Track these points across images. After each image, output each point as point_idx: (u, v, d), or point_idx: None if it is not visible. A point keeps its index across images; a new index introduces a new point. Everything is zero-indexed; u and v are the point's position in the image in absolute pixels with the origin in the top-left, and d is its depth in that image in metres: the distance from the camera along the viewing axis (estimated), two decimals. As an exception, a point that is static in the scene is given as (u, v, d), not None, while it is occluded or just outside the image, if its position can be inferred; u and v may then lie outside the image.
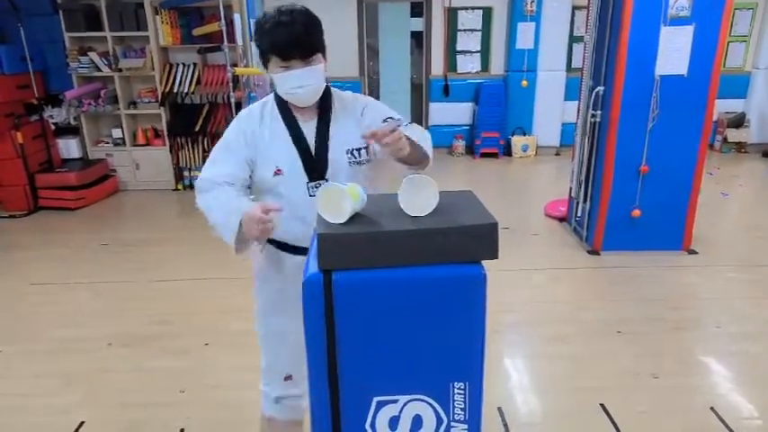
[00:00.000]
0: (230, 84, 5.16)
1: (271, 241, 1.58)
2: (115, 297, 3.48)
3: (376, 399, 0.96)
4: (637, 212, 3.81)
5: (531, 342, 2.95)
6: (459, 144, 7.14)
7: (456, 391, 0.97)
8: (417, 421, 0.98)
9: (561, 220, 4.61)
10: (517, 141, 6.99)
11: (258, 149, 1.49)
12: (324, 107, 1.52)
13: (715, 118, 6.61)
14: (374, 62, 7.23)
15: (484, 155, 7.01)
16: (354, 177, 1.44)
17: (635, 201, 3.82)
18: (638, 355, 2.73)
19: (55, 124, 5.38)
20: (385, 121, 1.48)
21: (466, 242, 0.90)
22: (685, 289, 3.51)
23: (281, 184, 1.48)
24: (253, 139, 1.49)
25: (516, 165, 6.86)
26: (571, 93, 6.65)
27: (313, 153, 1.49)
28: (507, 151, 7.04)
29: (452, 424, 0.98)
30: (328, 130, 1.50)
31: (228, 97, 5.19)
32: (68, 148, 5.58)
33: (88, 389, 2.56)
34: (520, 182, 6.26)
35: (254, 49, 5.84)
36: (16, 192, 5.08)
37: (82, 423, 2.30)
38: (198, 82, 5.53)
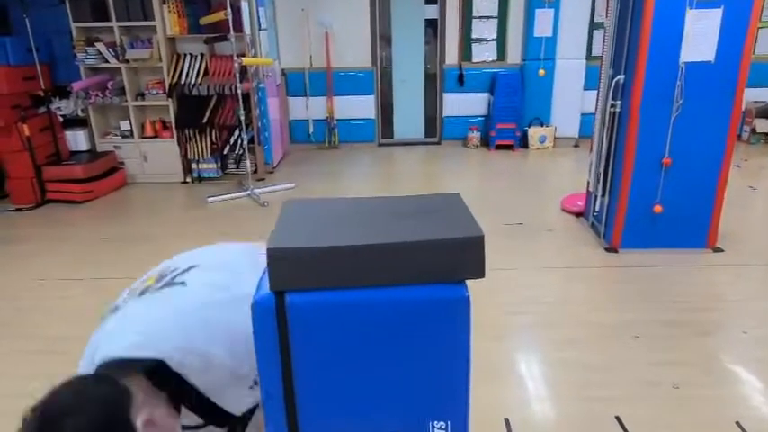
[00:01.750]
0: (238, 74, 5.05)
1: None
2: (116, 295, 3.40)
3: (343, 439, 0.82)
4: (658, 208, 3.60)
5: (543, 346, 2.78)
6: (474, 136, 6.94)
7: (436, 431, 0.82)
8: (392, 464, 0.84)
9: (578, 215, 4.42)
10: (534, 132, 6.76)
11: None
12: None
13: (743, 108, 6.31)
14: (387, 51, 7.05)
15: (499, 147, 6.81)
16: None
17: (657, 195, 3.61)
18: (658, 363, 2.55)
19: (62, 116, 5.33)
20: None
21: (448, 259, 0.76)
22: (709, 290, 3.31)
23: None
24: None
25: (533, 157, 6.64)
26: (591, 81, 6.40)
27: None
28: (524, 143, 6.83)
29: (433, 467, 0.84)
30: None
31: (236, 88, 5.08)
32: (76, 140, 5.53)
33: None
34: (536, 175, 6.05)
35: (263, 38, 5.73)
36: (23, 185, 5.04)
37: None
38: (205, 73, 5.43)
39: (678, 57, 3.33)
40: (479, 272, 0.77)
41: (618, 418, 2.18)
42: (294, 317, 0.75)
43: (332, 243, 0.74)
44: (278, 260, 0.73)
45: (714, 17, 3.27)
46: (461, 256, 0.76)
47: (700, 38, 3.30)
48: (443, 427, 0.83)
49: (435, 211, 0.87)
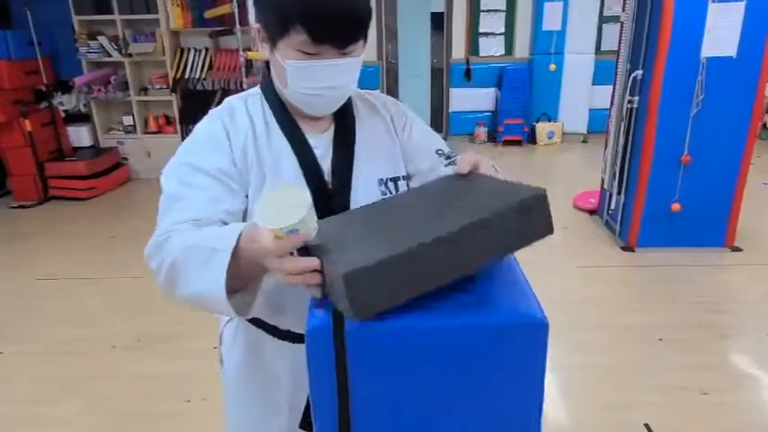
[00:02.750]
0: (243, 69, 4.95)
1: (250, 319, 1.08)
2: (124, 294, 3.33)
3: (401, 475, 0.75)
4: (677, 206, 3.53)
5: (562, 350, 2.71)
6: (482, 131, 6.85)
7: (504, 466, 0.75)
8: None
9: (592, 212, 4.34)
10: (542, 128, 6.68)
11: (252, 179, 0.94)
12: (343, 112, 1.00)
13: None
14: (393, 45, 6.95)
15: (507, 142, 6.72)
16: None
17: (675, 193, 3.53)
18: (683, 367, 2.48)
19: (65, 111, 5.23)
20: (439, 153, 1.08)
21: (520, 224, 0.71)
22: (730, 290, 3.24)
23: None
24: (245, 156, 0.94)
25: (541, 152, 6.56)
26: (600, 76, 6.34)
27: (329, 185, 0.97)
28: (532, 138, 6.74)
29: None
30: (352, 151, 1.00)
31: (241, 83, 4.97)
32: (79, 135, 5.44)
33: (89, 396, 2.40)
34: (545, 171, 5.97)
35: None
36: (26, 181, 4.95)
37: (80, 436, 2.15)
38: (210, 67, 5.33)
39: (699, 52, 3.25)
40: (549, 228, 0.75)
41: (647, 426, 2.12)
42: (354, 346, 0.68)
43: (405, 247, 0.65)
44: (359, 282, 0.64)
45: (737, 11, 3.18)
46: (530, 219, 0.72)
47: (722, 32, 3.22)
48: (512, 462, 0.75)
49: (468, 189, 0.80)
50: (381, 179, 1.02)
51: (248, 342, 1.10)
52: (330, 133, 1.00)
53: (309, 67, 0.87)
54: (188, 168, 0.92)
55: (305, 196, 0.69)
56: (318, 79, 0.89)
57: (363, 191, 0.98)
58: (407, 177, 1.06)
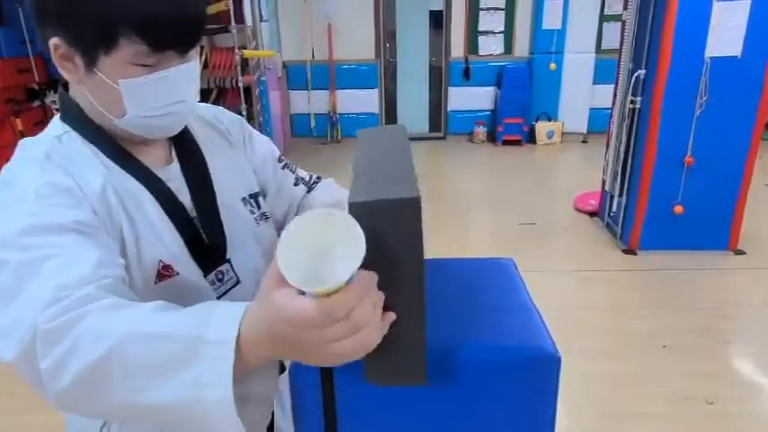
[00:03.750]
0: (239, 67, 4.88)
1: None
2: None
3: None
4: (679, 208, 3.47)
5: (568, 356, 2.61)
6: (481, 130, 6.79)
7: None
8: None
9: (592, 214, 4.28)
10: (542, 127, 6.61)
11: (121, 235, 0.73)
12: (180, 136, 0.83)
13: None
14: (391, 44, 6.87)
15: (506, 142, 6.65)
16: (266, 245, 0.89)
17: (677, 195, 3.47)
18: (689, 375, 2.42)
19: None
20: (281, 162, 0.97)
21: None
22: (734, 295, 3.18)
23: (167, 292, 0.74)
24: (109, 207, 0.72)
25: (541, 152, 6.49)
26: (600, 76, 6.28)
27: (196, 221, 0.80)
28: (531, 138, 6.67)
29: None
30: (209, 179, 0.84)
31: (237, 82, 4.91)
32: (72, 135, 5.35)
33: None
34: (545, 171, 5.90)
35: (264, 30, 5.55)
36: (18, 181, 4.87)
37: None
38: (205, 66, 5.25)
39: (703, 51, 3.19)
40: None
41: (652, 438, 2.06)
42: (343, 385, 0.61)
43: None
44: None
45: (742, 10, 3.12)
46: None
47: (726, 32, 3.16)
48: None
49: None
50: (244, 198, 0.89)
51: None
52: (176, 164, 0.83)
53: (153, 82, 0.69)
54: (30, 233, 0.62)
55: (349, 221, 0.47)
56: (167, 95, 0.72)
57: (234, 218, 0.85)
58: (259, 193, 0.93)
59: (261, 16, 5.44)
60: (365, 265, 0.45)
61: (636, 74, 3.47)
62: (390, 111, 7.09)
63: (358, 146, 0.67)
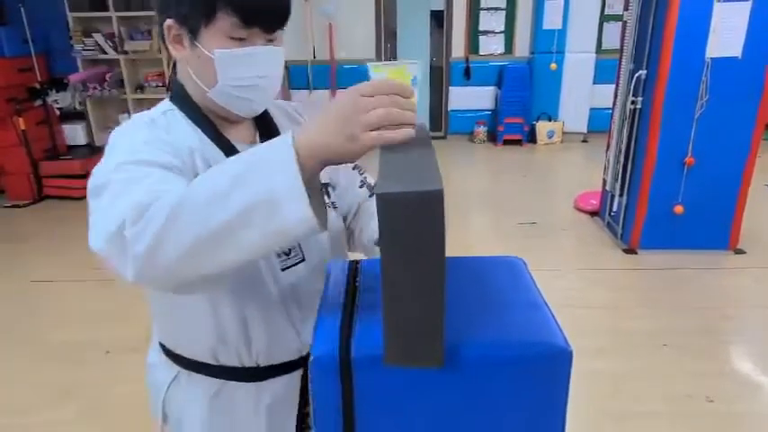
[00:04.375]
0: (241, 67, 4.89)
1: (202, 369, 0.96)
2: (120, 296, 3.26)
3: None
4: (680, 208, 3.49)
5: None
6: (481, 130, 6.80)
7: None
8: None
9: (593, 214, 4.30)
10: (542, 127, 6.63)
11: None
12: (264, 119, 0.95)
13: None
14: (392, 44, 6.88)
15: (507, 142, 6.67)
16: (333, 231, 0.98)
17: (678, 195, 3.49)
18: (689, 374, 2.44)
19: (59, 109, 5.16)
20: (352, 163, 0.95)
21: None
22: (735, 294, 3.20)
23: None
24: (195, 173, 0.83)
25: (541, 152, 6.51)
26: (601, 76, 6.29)
27: None
28: (532, 138, 6.69)
29: None
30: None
31: (239, 81, 4.92)
32: (74, 134, 5.37)
33: (85, 403, 2.35)
34: (546, 171, 5.92)
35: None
36: (20, 180, 4.88)
37: (75, 443, 2.10)
38: (207, 65, 5.26)
39: (704, 52, 3.21)
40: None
41: (653, 436, 2.08)
42: (362, 376, 0.63)
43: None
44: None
45: (743, 11, 3.14)
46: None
47: (727, 32, 3.17)
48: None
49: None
50: (326, 184, 0.98)
51: (206, 397, 0.96)
52: (258, 143, 0.91)
53: (241, 54, 0.82)
54: (138, 163, 0.74)
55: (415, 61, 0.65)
56: (251, 67, 0.83)
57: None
58: (328, 185, 0.99)
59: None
60: (393, 250, 0.52)
61: (637, 74, 3.49)
62: (391, 110, 7.09)
63: None
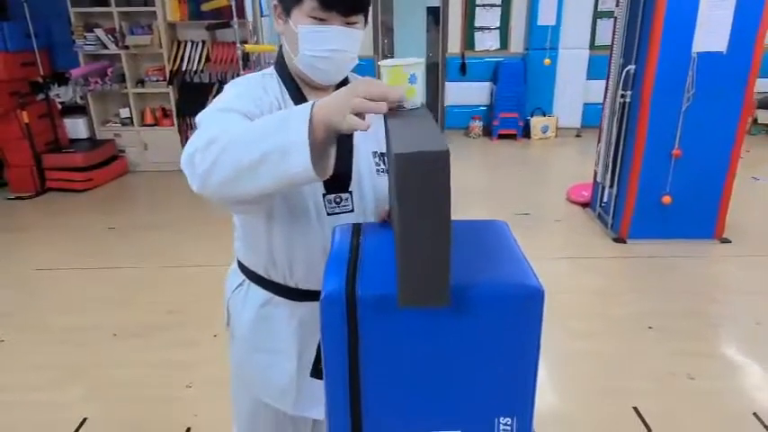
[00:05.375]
0: (240, 62, 4.97)
1: (258, 281, 1.19)
2: (122, 284, 3.37)
3: (407, 435, 0.80)
4: (667, 199, 3.60)
5: (555, 338, 2.77)
6: (477, 125, 6.91)
7: (501, 427, 0.81)
8: (455, 461, 0.82)
9: (585, 205, 4.41)
10: (537, 122, 6.74)
11: None
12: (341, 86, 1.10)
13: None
14: (389, 40, 6.98)
15: (502, 136, 6.78)
16: (379, 194, 1.14)
17: (666, 186, 3.60)
18: (673, 354, 2.56)
19: (61, 103, 5.24)
20: None
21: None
22: (720, 281, 3.32)
23: (288, 194, 1.06)
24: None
25: (536, 147, 6.63)
26: (594, 71, 6.40)
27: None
28: (526, 133, 6.81)
29: (496, 464, 0.83)
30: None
31: (238, 76, 5.00)
32: (76, 127, 5.45)
33: (91, 383, 2.44)
34: (540, 164, 6.04)
35: (264, 25, 5.65)
36: (23, 173, 4.97)
37: (84, 420, 2.19)
38: (207, 60, 5.35)
39: (691, 47, 3.32)
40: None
41: (636, 409, 2.19)
42: (365, 311, 0.73)
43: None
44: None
45: (728, 7, 3.25)
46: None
47: (713, 28, 3.29)
48: (509, 423, 0.81)
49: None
50: (375, 152, 1.15)
51: (256, 304, 1.20)
52: None
53: (318, 30, 1.01)
54: (223, 111, 0.99)
55: (421, 60, 0.83)
56: (326, 42, 1.02)
57: (363, 161, 1.13)
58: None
59: (261, 11, 5.53)
60: (407, 202, 0.64)
61: (626, 69, 3.60)
62: (388, 105, 7.19)
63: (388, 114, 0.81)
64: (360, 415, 0.80)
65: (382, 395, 0.79)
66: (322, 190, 1.09)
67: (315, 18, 1.00)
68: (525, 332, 0.76)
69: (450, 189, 0.65)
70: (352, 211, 1.11)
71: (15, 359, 2.65)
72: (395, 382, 0.78)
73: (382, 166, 1.15)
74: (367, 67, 6.68)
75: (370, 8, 1.09)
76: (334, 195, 1.10)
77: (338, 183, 1.09)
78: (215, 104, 1.01)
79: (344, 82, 1.13)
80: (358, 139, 1.12)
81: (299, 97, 1.10)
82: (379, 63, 0.85)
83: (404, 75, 0.82)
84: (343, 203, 1.11)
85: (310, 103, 0.82)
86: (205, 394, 2.33)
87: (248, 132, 0.85)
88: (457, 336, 0.75)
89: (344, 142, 1.09)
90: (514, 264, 0.80)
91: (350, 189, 1.11)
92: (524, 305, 0.74)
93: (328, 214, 1.10)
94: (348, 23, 1.02)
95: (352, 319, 0.74)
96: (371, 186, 1.13)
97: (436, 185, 0.64)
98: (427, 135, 0.69)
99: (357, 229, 0.92)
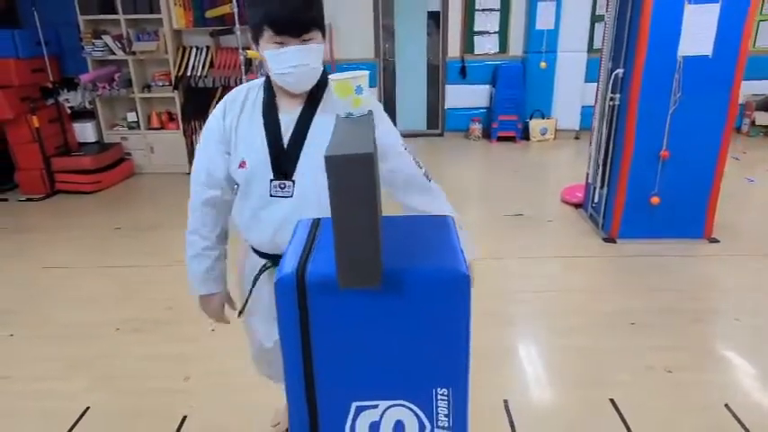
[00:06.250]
0: (243, 67, 5.12)
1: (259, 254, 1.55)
2: (126, 281, 3.50)
3: (355, 404, 0.92)
4: (656, 199, 3.69)
5: (541, 333, 2.88)
6: (476, 127, 7.01)
7: (439, 396, 0.92)
8: (399, 427, 0.93)
9: (578, 206, 4.50)
10: (536, 124, 6.83)
11: (232, 141, 1.38)
12: (313, 95, 1.36)
13: (742, 100, 6.36)
14: (390, 44, 7.10)
15: (501, 138, 6.88)
16: (321, 188, 1.39)
17: (654, 187, 3.69)
18: (653, 348, 2.64)
19: (70, 108, 5.41)
20: (402, 148, 1.43)
21: None
22: (705, 279, 3.39)
23: (245, 179, 1.37)
24: (228, 129, 1.38)
25: (534, 148, 6.71)
26: (592, 74, 6.43)
27: (285, 146, 1.34)
28: (525, 135, 6.89)
29: (436, 430, 0.93)
30: (310, 123, 1.34)
31: (241, 81, 5.15)
32: (84, 131, 5.61)
33: (95, 375, 2.57)
34: (537, 166, 6.12)
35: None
36: (33, 175, 5.13)
37: (87, 409, 2.32)
38: (211, 65, 5.50)
39: (676, 51, 3.40)
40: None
41: (612, 401, 2.28)
42: (313, 293, 0.84)
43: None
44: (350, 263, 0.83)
45: (712, 12, 3.33)
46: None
47: (698, 32, 3.37)
48: (446, 393, 0.92)
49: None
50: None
51: (249, 257, 1.56)
52: (298, 110, 1.36)
53: (278, 53, 1.25)
54: (203, 137, 1.45)
55: (365, 72, 0.99)
56: (286, 61, 1.26)
57: (311, 159, 1.33)
58: None
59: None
60: (339, 197, 0.76)
61: (615, 72, 3.69)
62: (389, 108, 7.32)
63: (337, 120, 0.95)
64: (313, 385, 0.91)
65: (332, 367, 0.90)
66: (268, 175, 1.34)
67: (275, 42, 1.24)
68: (454, 312, 0.87)
69: (375, 185, 0.76)
70: (291, 197, 1.35)
71: (23, 352, 2.79)
72: (343, 355, 0.89)
73: None
74: (369, 71, 6.82)
75: (326, 23, 1.31)
76: (278, 182, 1.35)
77: (281, 170, 1.34)
78: (201, 137, 1.45)
79: (318, 89, 1.36)
80: (314, 138, 1.33)
81: (268, 103, 1.37)
82: (329, 77, 0.98)
83: (350, 86, 0.93)
84: (285, 189, 1.35)
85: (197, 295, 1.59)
86: (201, 386, 2.45)
87: (188, 263, 1.58)
88: (393, 315, 0.86)
89: (298, 133, 1.34)
90: (448, 252, 0.91)
91: (293, 179, 1.34)
92: (451, 288, 0.85)
93: (271, 196, 1.36)
94: (303, 41, 1.24)
95: (302, 299, 0.85)
96: (314, 180, 1.32)
97: (361, 182, 0.76)
98: (359, 139, 0.81)
99: (317, 223, 1.03)
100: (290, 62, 1.25)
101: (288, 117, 1.36)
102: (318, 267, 0.86)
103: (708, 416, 2.20)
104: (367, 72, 0.98)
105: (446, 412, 0.92)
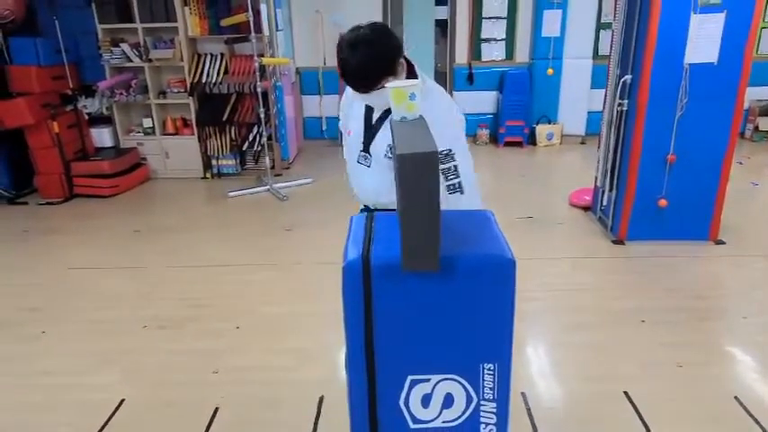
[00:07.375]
0: (257, 73, 5.25)
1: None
2: (148, 281, 3.62)
3: (410, 377, 1.02)
4: (663, 202, 3.79)
5: (554, 330, 2.98)
6: (484, 133, 7.12)
7: (486, 371, 1.02)
8: (449, 399, 1.03)
9: (586, 209, 4.60)
10: (542, 130, 6.94)
11: (347, 115, 1.87)
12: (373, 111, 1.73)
13: (746, 106, 6.47)
14: (398, 51, 7.24)
15: (508, 143, 6.98)
16: (383, 173, 1.71)
17: (661, 190, 3.79)
18: (663, 344, 2.75)
19: (89, 114, 5.53)
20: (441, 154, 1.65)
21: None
22: (711, 279, 3.50)
23: (348, 143, 1.85)
24: (346, 107, 1.89)
25: (541, 153, 6.82)
26: (598, 80, 6.58)
27: (372, 129, 1.75)
28: (532, 140, 7.00)
29: (482, 402, 1.04)
30: (385, 117, 1.67)
31: (255, 87, 5.28)
32: (101, 137, 5.74)
33: (126, 369, 2.68)
34: (544, 171, 6.24)
35: (279, 39, 5.94)
36: (53, 179, 5.25)
37: (122, 401, 2.43)
38: (225, 72, 5.63)
39: (683, 58, 3.51)
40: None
41: (626, 393, 2.38)
42: (377, 277, 0.95)
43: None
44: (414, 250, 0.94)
45: (717, 21, 3.45)
46: None
47: (703, 41, 3.48)
48: (492, 368, 1.03)
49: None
50: (389, 145, 1.65)
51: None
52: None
53: (355, 98, 1.72)
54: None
55: (417, 81, 1.18)
56: (365, 99, 1.67)
57: (380, 146, 1.71)
58: None
59: (277, 26, 5.81)
60: (406, 189, 0.88)
61: (623, 79, 3.80)
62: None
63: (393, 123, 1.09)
64: (373, 360, 1.02)
65: (391, 344, 1.01)
66: (360, 144, 1.76)
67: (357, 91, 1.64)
68: (500, 294, 0.98)
69: (438, 180, 0.88)
70: (369, 167, 1.77)
71: (55, 348, 2.90)
72: (401, 333, 1.00)
73: (389, 154, 1.69)
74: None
75: (391, 73, 1.53)
76: (364, 153, 1.77)
77: (365, 146, 1.76)
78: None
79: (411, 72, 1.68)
80: (380, 133, 1.70)
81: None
82: (386, 85, 1.09)
83: (405, 93, 1.05)
84: (366, 161, 1.78)
85: None
86: (230, 379, 2.56)
87: None
88: (447, 296, 0.97)
89: (377, 126, 1.71)
90: (493, 240, 1.02)
91: (369, 151, 1.75)
92: (498, 271, 0.96)
93: (358, 162, 1.80)
94: (376, 89, 1.55)
95: (367, 282, 0.96)
96: (378, 159, 1.75)
97: (427, 177, 0.87)
98: (421, 140, 0.93)
99: (370, 216, 1.14)
100: (366, 101, 1.68)
101: (379, 107, 1.72)
102: (381, 253, 0.97)
103: (718, 408, 2.30)
104: (419, 81, 1.10)
105: (491, 386, 1.03)
